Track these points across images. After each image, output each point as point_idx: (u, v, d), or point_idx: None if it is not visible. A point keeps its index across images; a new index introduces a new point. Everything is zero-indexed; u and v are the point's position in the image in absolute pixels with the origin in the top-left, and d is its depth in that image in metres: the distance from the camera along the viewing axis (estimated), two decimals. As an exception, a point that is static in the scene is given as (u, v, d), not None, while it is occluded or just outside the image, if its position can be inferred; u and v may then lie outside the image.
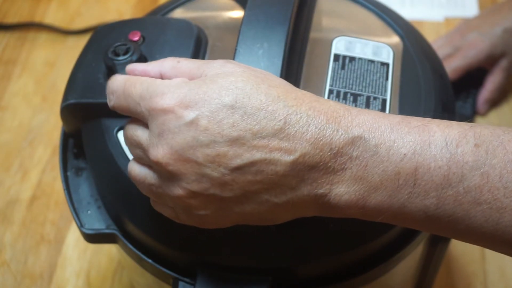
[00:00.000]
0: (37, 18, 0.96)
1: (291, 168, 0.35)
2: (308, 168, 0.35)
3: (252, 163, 0.35)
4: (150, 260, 0.46)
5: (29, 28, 0.95)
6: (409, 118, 0.36)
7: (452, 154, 0.34)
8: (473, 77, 0.83)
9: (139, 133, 0.38)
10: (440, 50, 0.82)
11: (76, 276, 0.69)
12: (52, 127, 0.83)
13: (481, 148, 0.34)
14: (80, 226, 0.48)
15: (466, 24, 0.84)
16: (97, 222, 0.49)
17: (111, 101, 0.40)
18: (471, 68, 0.81)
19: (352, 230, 0.43)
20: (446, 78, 0.52)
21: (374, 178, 0.35)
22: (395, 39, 0.52)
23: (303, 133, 0.35)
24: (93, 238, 0.48)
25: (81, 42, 0.54)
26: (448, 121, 0.36)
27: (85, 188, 0.51)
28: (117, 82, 0.40)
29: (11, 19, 0.96)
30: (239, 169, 0.35)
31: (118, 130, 0.46)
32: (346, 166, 0.35)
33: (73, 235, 0.72)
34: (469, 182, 0.34)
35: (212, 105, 0.35)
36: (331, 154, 0.35)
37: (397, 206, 0.35)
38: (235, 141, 0.35)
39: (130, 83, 0.39)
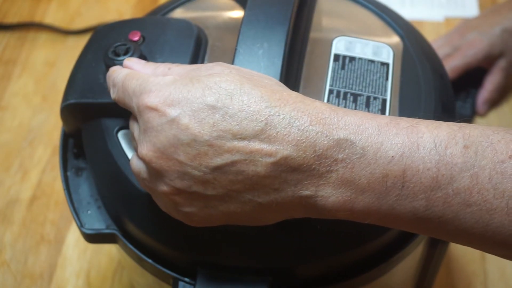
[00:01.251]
0: (37, 18, 0.96)
1: (272, 169, 0.35)
2: (291, 170, 0.35)
3: (232, 163, 0.35)
4: (150, 260, 0.46)
5: (29, 28, 0.95)
6: (397, 119, 0.36)
7: (441, 156, 0.34)
8: (473, 77, 0.83)
9: (134, 128, 0.40)
10: (440, 50, 0.82)
11: (76, 276, 0.69)
12: (52, 127, 0.83)
13: (470, 149, 0.34)
14: (80, 226, 0.48)
15: (465, 24, 0.84)
16: (97, 222, 0.49)
17: (114, 93, 0.41)
18: (470, 68, 0.81)
19: (352, 230, 0.43)
20: (446, 78, 0.52)
21: (361, 180, 0.34)
22: (395, 39, 0.52)
23: (285, 134, 0.34)
24: (93, 238, 0.48)
25: (81, 42, 0.54)
26: (437, 121, 0.36)
27: (85, 188, 0.51)
28: (120, 75, 0.41)
29: (11, 19, 0.96)
30: (219, 168, 0.35)
31: (118, 130, 0.46)
32: (331, 169, 0.35)
33: (73, 235, 0.72)
34: (458, 184, 0.33)
35: (194, 104, 0.35)
36: (315, 156, 0.34)
37: (385, 208, 0.35)
38: (215, 141, 0.35)
39: (129, 77, 0.40)
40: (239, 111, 0.35)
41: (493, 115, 0.82)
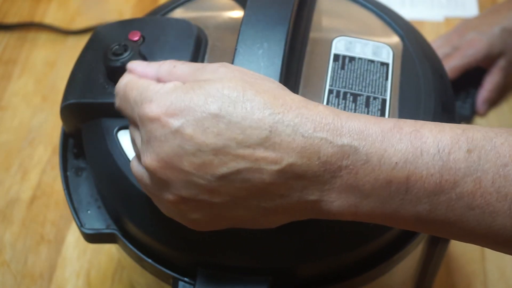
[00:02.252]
0: (37, 18, 0.96)
1: (278, 176, 0.35)
2: (296, 176, 0.35)
3: (238, 172, 0.35)
4: (150, 260, 0.46)
5: (29, 28, 0.95)
6: (401, 122, 0.36)
7: (444, 161, 0.34)
8: (473, 77, 0.83)
9: (136, 136, 0.39)
10: (439, 50, 0.82)
11: (76, 276, 0.69)
12: (52, 127, 0.83)
13: (474, 153, 0.34)
14: (80, 226, 0.48)
15: (464, 24, 0.84)
16: (97, 222, 0.49)
17: (117, 102, 0.41)
18: (469, 68, 0.81)
19: (352, 230, 0.43)
20: (446, 78, 0.52)
21: (365, 186, 0.35)
22: (395, 39, 0.52)
23: (289, 142, 0.34)
24: (93, 238, 0.48)
25: (81, 42, 0.54)
26: (440, 124, 0.36)
27: (85, 188, 0.51)
28: (121, 84, 0.40)
29: (11, 19, 0.96)
30: (225, 177, 0.35)
31: (118, 130, 0.46)
32: (335, 175, 0.35)
33: (73, 235, 0.72)
34: (461, 188, 0.34)
35: (197, 113, 0.35)
36: (319, 163, 0.34)
37: (389, 211, 0.35)
38: (220, 150, 0.35)
39: (130, 86, 0.39)
40: (242, 119, 0.35)
41: (493, 114, 0.82)
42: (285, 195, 0.35)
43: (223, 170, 0.35)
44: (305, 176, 0.35)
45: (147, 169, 0.37)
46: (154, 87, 0.38)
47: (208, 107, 0.35)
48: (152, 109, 0.36)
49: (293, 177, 0.35)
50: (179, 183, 0.36)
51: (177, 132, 0.35)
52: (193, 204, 0.36)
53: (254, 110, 0.35)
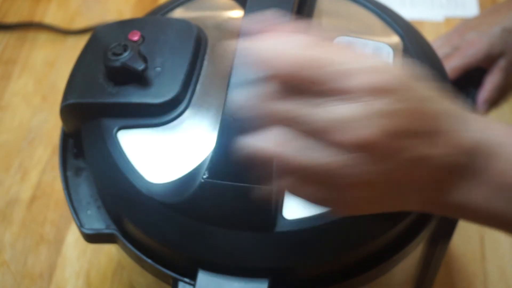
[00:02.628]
0: (37, 18, 0.96)
1: (454, 168, 0.36)
2: (450, 168, 0.36)
3: (443, 155, 0.35)
4: (149, 260, 0.46)
5: (29, 28, 0.95)
6: (510, 126, 0.37)
7: None
8: (473, 77, 0.82)
9: (344, 109, 0.34)
10: (439, 50, 0.81)
11: (76, 276, 0.69)
12: (52, 127, 0.82)
13: None
14: (80, 226, 0.48)
15: (465, 24, 0.84)
16: (97, 222, 0.49)
17: (281, 69, 0.34)
18: (470, 68, 0.81)
19: (352, 230, 0.43)
20: (446, 78, 0.52)
21: (497, 184, 0.36)
22: (395, 39, 0.52)
23: (452, 133, 0.35)
24: (92, 238, 0.48)
25: (81, 42, 0.54)
26: None
27: (85, 188, 0.51)
28: (294, 45, 0.35)
29: (11, 19, 0.96)
30: (428, 158, 0.35)
31: (118, 130, 0.46)
32: (467, 171, 0.36)
33: (73, 235, 0.72)
34: None
35: (415, 92, 0.35)
36: (464, 157, 0.36)
37: (510, 215, 0.36)
38: (437, 131, 0.35)
39: (327, 51, 0.34)
40: (439, 103, 0.36)
41: (493, 115, 0.82)
42: (437, 188, 0.36)
43: (432, 151, 0.35)
44: (453, 169, 0.36)
45: (370, 144, 0.34)
46: (365, 57, 0.35)
47: (418, 88, 0.35)
48: (387, 80, 0.34)
49: (448, 169, 0.36)
50: (391, 163, 0.34)
51: (405, 109, 0.34)
52: (382, 180, 0.35)
53: (438, 97, 0.36)
